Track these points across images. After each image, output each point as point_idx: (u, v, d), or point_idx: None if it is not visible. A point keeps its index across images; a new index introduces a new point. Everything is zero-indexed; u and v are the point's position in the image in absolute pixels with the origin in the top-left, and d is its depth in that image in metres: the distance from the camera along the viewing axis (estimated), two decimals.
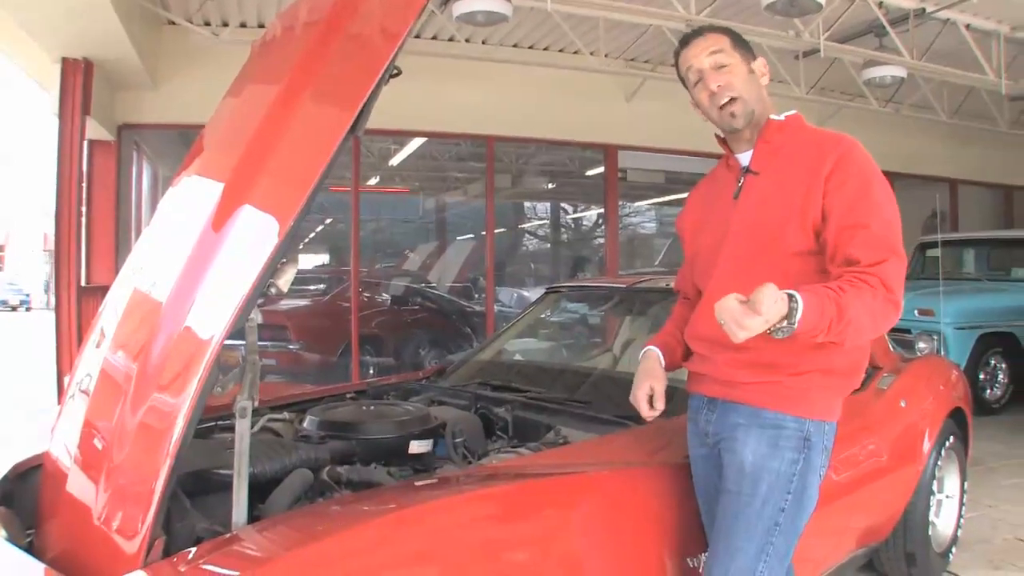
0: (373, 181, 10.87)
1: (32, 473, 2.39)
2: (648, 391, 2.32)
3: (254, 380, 1.95)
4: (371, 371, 9.38)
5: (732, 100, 2.19)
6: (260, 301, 1.91)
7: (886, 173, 2.09)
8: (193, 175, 2.50)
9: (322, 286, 10.68)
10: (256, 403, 1.96)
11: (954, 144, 12.19)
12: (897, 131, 10.99)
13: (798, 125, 2.24)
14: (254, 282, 1.82)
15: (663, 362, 2.40)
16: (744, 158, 2.27)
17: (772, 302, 1.73)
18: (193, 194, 2.40)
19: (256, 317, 1.93)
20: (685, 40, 2.27)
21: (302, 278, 10.19)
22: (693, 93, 2.28)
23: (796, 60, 8.89)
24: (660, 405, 2.30)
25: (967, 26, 7.84)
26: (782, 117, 2.24)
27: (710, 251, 2.29)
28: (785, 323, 1.79)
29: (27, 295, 41.54)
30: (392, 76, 1.93)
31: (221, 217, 2.03)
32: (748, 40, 2.29)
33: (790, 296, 1.79)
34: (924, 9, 7.57)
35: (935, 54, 8.22)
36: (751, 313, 1.72)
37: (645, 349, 2.45)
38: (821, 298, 1.83)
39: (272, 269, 1.85)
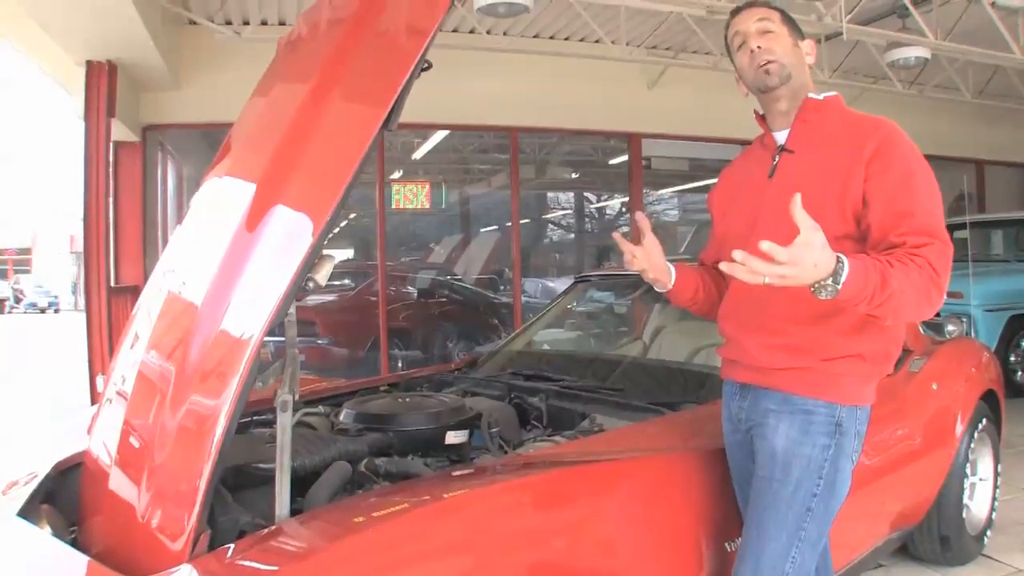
0: (397, 175, 10.87)
1: (73, 471, 2.40)
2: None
3: (294, 374, 1.97)
4: (399, 364, 9.42)
5: (770, 61, 2.18)
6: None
7: None
8: (223, 175, 2.50)
9: (348, 281, 10.69)
10: (296, 396, 1.99)
11: (980, 124, 12.06)
12: (922, 113, 10.86)
13: (837, 106, 2.22)
14: (291, 281, 1.83)
15: (673, 272, 2.37)
16: (780, 136, 2.25)
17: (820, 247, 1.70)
18: (224, 195, 2.39)
19: (293, 312, 1.95)
20: (736, 10, 2.27)
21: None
22: (736, 59, 2.27)
23: (819, 44, 8.77)
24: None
25: (992, 4, 7.71)
26: (821, 97, 2.22)
27: (742, 230, 2.24)
28: (830, 281, 1.74)
29: (55, 297, 42.02)
30: (423, 70, 1.95)
31: (255, 217, 2.03)
32: None
33: (837, 257, 1.75)
34: None
35: (960, 34, 8.11)
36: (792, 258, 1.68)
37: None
38: (866, 264, 1.80)
39: (308, 267, 1.85)
